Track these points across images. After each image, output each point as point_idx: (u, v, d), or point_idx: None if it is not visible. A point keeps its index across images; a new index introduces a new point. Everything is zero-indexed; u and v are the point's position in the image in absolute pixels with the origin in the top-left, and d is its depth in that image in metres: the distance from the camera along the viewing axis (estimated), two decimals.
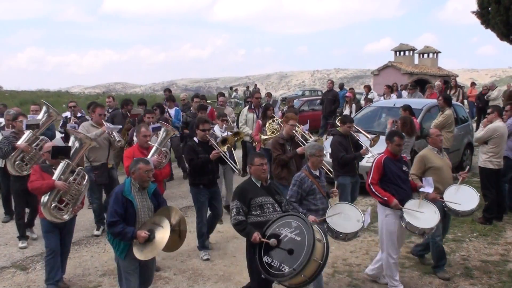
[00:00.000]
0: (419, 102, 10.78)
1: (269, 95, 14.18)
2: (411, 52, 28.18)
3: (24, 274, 5.67)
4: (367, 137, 7.17)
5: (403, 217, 4.91)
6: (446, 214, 5.43)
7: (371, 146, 6.97)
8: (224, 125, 7.60)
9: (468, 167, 6.75)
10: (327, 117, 14.26)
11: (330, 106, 14.31)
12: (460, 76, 31.41)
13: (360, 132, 7.26)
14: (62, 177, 5.00)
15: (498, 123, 6.99)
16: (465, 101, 16.10)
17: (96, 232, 6.95)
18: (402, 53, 28.18)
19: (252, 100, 9.74)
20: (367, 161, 7.69)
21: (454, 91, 14.35)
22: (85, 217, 7.29)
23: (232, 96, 30.95)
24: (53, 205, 4.92)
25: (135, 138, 6.48)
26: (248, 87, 35.52)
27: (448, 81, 15.76)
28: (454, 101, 10.65)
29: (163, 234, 4.15)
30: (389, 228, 5.06)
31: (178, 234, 4.39)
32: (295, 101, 17.98)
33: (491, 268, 5.67)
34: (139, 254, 4.18)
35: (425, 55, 28.93)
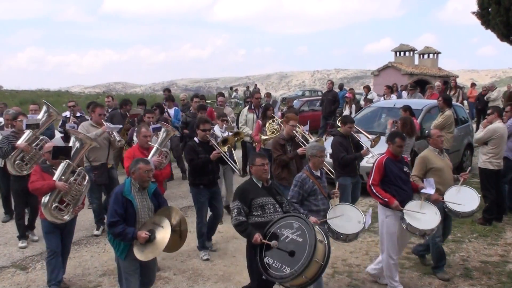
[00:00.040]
0: (419, 102, 10.78)
1: (268, 95, 14.18)
2: (411, 52, 28.20)
3: (24, 273, 5.67)
4: (368, 138, 7.17)
5: (404, 219, 4.90)
6: (447, 215, 5.42)
7: (372, 146, 6.97)
8: (224, 125, 7.60)
9: (469, 167, 6.75)
10: (326, 118, 14.26)
11: (329, 106, 14.30)
12: (460, 77, 31.40)
13: (361, 133, 7.25)
14: (63, 177, 4.99)
15: (498, 124, 6.99)
16: (465, 102, 16.10)
17: (96, 232, 6.95)
18: (402, 53, 28.19)
19: (252, 100, 9.73)
20: (367, 162, 7.70)
21: (454, 92, 14.34)
22: (85, 217, 7.29)
23: (232, 96, 30.97)
24: (53, 205, 4.91)
25: (135, 138, 6.48)
26: (248, 87, 35.52)
27: (448, 81, 15.75)
28: (454, 102, 10.66)
29: (163, 235, 4.15)
30: (390, 229, 5.06)
31: (179, 235, 4.38)
32: (294, 101, 18.00)
33: (490, 269, 5.68)
34: (140, 255, 4.17)
35: (425, 56, 28.94)
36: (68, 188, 4.98)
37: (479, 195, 5.39)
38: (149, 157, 5.66)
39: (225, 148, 6.19)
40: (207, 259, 6.00)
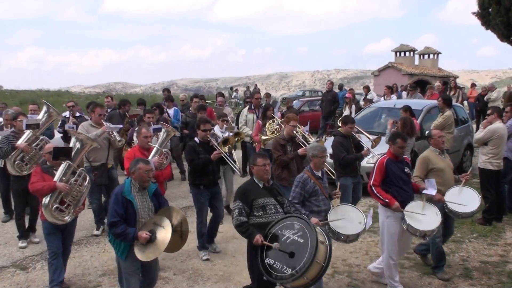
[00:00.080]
0: (419, 103, 10.78)
1: (267, 95, 14.15)
2: (412, 52, 28.24)
3: (24, 273, 5.67)
4: (369, 138, 7.16)
5: (404, 219, 4.91)
6: (448, 216, 5.42)
7: (372, 147, 6.96)
8: (225, 125, 7.60)
9: (470, 168, 6.75)
10: (326, 118, 14.26)
11: (329, 107, 14.30)
12: (460, 77, 31.45)
13: (362, 133, 7.25)
14: (64, 178, 4.98)
15: (498, 124, 7.00)
16: (465, 102, 16.11)
17: (96, 232, 6.95)
18: (402, 53, 28.24)
19: (252, 101, 9.73)
20: (367, 162, 7.70)
21: (454, 92, 14.34)
22: (85, 217, 7.28)
23: (233, 96, 30.99)
24: (54, 206, 4.90)
25: (135, 138, 6.47)
26: (248, 87, 35.55)
27: (447, 82, 15.74)
28: (454, 102, 10.65)
29: (164, 235, 4.14)
30: (390, 229, 5.07)
31: (180, 235, 4.38)
32: (294, 101, 18.00)
33: (490, 269, 5.68)
34: (141, 255, 4.17)
35: (426, 56, 28.98)
36: (69, 189, 4.97)
37: (480, 196, 5.39)
38: (150, 157, 5.66)
39: (226, 149, 6.19)
40: (207, 259, 6.00)
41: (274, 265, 3.89)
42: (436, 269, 5.50)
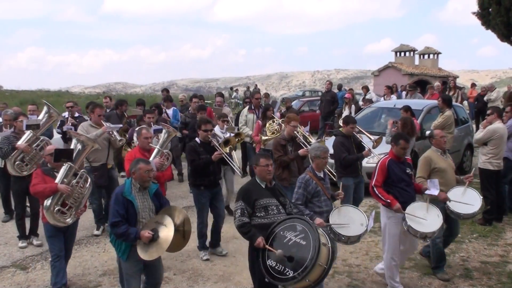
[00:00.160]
0: (420, 103, 10.78)
1: (266, 95, 14.12)
2: (412, 52, 28.25)
3: (24, 273, 5.67)
4: (370, 138, 7.15)
5: (405, 220, 4.90)
6: (449, 216, 5.40)
7: (373, 147, 6.95)
8: (225, 125, 7.59)
9: (473, 169, 6.76)
10: (325, 118, 14.26)
11: (328, 107, 14.30)
12: (460, 77, 31.46)
13: (363, 133, 7.24)
14: (65, 180, 4.95)
15: (497, 124, 7.00)
16: (465, 102, 16.11)
17: (96, 232, 6.95)
18: (402, 53, 28.25)
19: (251, 101, 9.72)
20: (367, 162, 7.69)
21: (453, 93, 14.35)
22: (85, 217, 7.26)
23: (233, 96, 30.98)
24: (56, 208, 4.88)
25: (135, 139, 6.46)
26: (248, 88, 35.54)
27: (446, 82, 15.76)
28: (453, 102, 10.65)
29: (167, 233, 4.13)
30: (392, 230, 5.07)
31: (182, 234, 4.38)
32: (294, 101, 18.01)
33: (490, 269, 5.68)
34: (144, 255, 4.16)
35: (426, 56, 28.99)
36: (71, 191, 4.95)
37: (481, 197, 5.39)
38: (151, 158, 5.63)
39: (227, 149, 6.18)
40: (207, 259, 6.00)
41: (276, 267, 3.86)
42: (436, 269, 5.50)
